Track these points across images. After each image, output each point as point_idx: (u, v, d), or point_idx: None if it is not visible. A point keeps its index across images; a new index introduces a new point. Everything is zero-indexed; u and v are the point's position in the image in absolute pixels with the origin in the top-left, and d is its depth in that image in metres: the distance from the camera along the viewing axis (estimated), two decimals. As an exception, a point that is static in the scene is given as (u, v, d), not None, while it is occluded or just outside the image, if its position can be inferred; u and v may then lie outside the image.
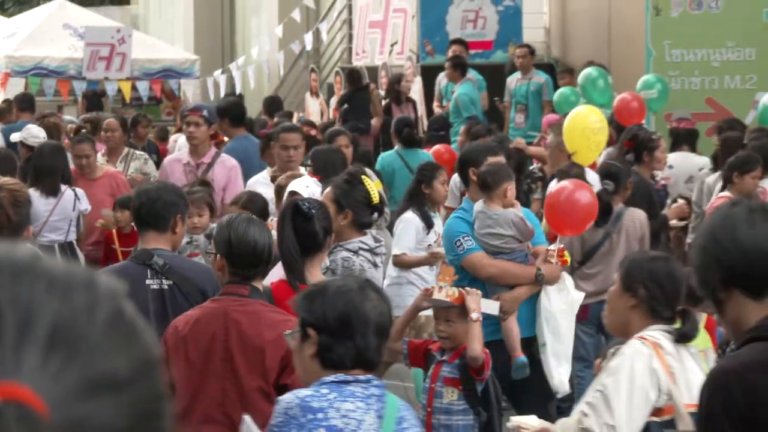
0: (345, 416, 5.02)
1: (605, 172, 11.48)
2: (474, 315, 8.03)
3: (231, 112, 15.29)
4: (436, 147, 15.68)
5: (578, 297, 9.33)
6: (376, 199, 8.92)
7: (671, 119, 17.47)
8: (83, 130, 16.08)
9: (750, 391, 3.98)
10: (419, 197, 11.16)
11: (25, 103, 18.71)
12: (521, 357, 8.94)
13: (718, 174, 13.36)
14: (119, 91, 23.40)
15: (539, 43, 23.69)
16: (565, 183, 9.74)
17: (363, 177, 9.36)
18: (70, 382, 1.25)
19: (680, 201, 13.66)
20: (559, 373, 9.12)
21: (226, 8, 31.42)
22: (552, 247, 9.26)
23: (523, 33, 23.47)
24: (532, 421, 6.45)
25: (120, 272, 7.32)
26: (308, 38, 24.55)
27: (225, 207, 11.09)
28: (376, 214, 9.36)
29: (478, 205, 9.27)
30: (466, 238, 9.14)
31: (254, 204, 9.75)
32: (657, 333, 5.90)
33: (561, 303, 9.18)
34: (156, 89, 24.21)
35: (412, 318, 8.81)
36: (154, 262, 7.23)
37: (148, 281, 7.19)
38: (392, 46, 23.61)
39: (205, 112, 13.15)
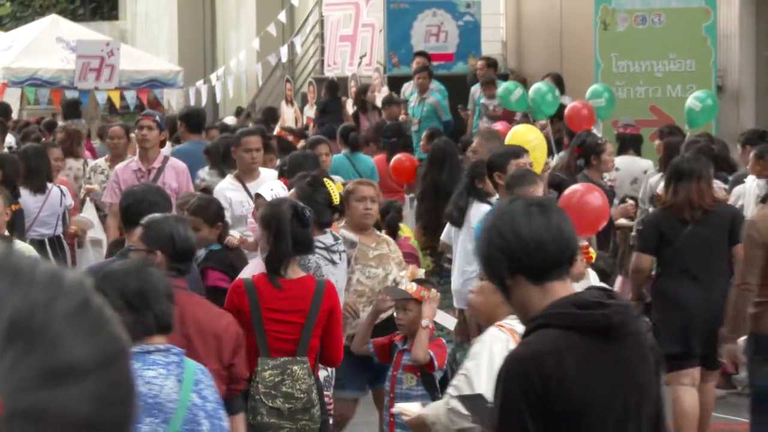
0: (149, 383, 5.16)
1: (550, 183, 11.62)
2: (425, 322, 8.07)
3: (190, 118, 15.38)
4: (398, 156, 15.49)
5: None
6: (336, 200, 9.01)
7: (618, 125, 17.52)
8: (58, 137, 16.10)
9: (546, 378, 4.11)
10: (478, 192, 10.66)
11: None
12: None
13: (660, 174, 13.43)
14: (108, 99, 23.39)
15: (496, 55, 23.72)
16: (577, 186, 9.55)
17: (325, 180, 9.43)
18: (27, 372, 1.23)
19: (629, 201, 13.72)
20: None
21: (207, 23, 31.39)
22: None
23: (481, 46, 23.53)
24: (413, 407, 6.40)
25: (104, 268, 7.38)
26: (283, 51, 24.58)
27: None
28: (336, 214, 9.54)
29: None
30: None
31: (206, 210, 9.32)
32: (514, 321, 5.85)
33: None
34: (142, 98, 24.17)
35: (374, 320, 8.82)
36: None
37: None
38: (361, 58, 23.63)
39: (157, 118, 12.99)
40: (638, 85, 20.15)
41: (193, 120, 15.13)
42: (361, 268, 9.58)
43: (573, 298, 4.29)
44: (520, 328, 6.02)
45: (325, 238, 8.60)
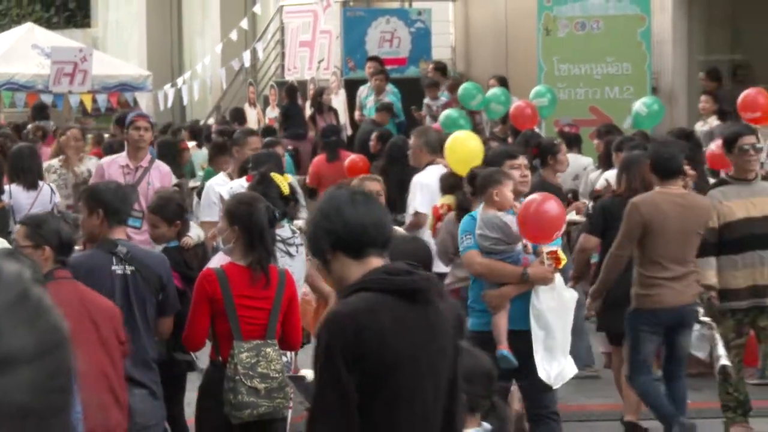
0: None
1: (468, 178, 11.40)
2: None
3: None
4: (352, 157, 15.38)
5: (570, 296, 8.72)
6: (286, 191, 9.03)
7: (559, 124, 17.64)
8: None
9: (359, 331, 4.44)
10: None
11: None
12: (502, 350, 8.39)
13: (600, 171, 13.49)
14: (81, 102, 23.32)
15: (446, 59, 23.80)
16: (535, 195, 8.92)
17: (272, 174, 9.45)
18: None
19: (581, 200, 13.68)
20: (547, 367, 8.45)
21: (174, 30, 31.32)
22: (546, 249, 8.58)
23: (432, 51, 23.59)
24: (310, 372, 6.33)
25: (89, 258, 7.41)
26: (246, 56, 24.55)
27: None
28: (292, 203, 9.53)
29: (480, 208, 8.84)
30: (467, 237, 8.73)
31: (164, 208, 9.08)
32: None
33: (550, 301, 8.52)
34: (113, 101, 24.13)
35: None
36: (119, 250, 7.28)
37: (113, 267, 7.23)
38: (319, 62, 23.64)
39: (152, 119, 12.88)
40: (578, 87, 20.23)
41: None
42: None
43: (385, 268, 4.67)
44: None
45: (282, 231, 8.59)
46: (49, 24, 31.67)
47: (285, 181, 9.49)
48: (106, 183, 8.50)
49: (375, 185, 9.42)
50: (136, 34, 31.26)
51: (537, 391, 8.60)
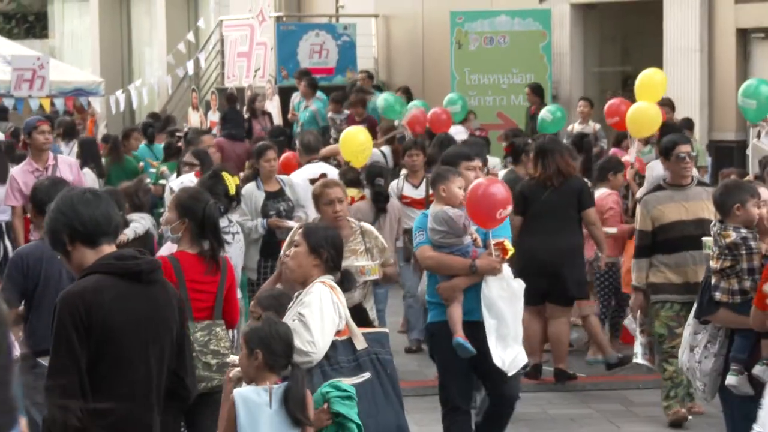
0: None
1: (377, 173, 12.13)
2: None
3: (66, 128, 15.46)
4: (286, 154, 15.39)
5: (518, 286, 8.24)
6: (233, 191, 9.08)
7: (469, 128, 17.73)
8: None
9: (87, 306, 4.95)
10: None
11: None
12: (458, 338, 8.10)
13: (507, 170, 13.54)
14: (41, 106, 23.13)
15: (370, 69, 23.83)
16: (481, 180, 8.52)
17: (223, 173, 9.45)
18: None
19: None
20: (501, 354, 8.08)
21: (125, 40, 31.13)
22: (494, 240, 8.17)
23: (357, 61, 23.63)
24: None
25: (36, 248, 7.46)
26: (190, 65, 24.43)
27: None
28: (234, 203, 9.61)
29: (432, 204, 8.64)
30: (420, 233, 8.39)
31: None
32: (329, 279, 6.54)
33: (500, 290, 8.12)
34: (69, 105, 23.89)
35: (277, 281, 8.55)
36: None
37: (60, 256, 7.19)
38: (256, 71, 23.58)
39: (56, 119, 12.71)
40: (487, 95, 20.38)
41: (70, 130, 15.27)
42: None
43: (114, 254, 5.16)
44: (334, 285, 6.51)
45: (221, 222, 8.65)
46: (9, 34, 31.34)
47: (234, 182, 9.51)
48: (40, 181, 8.38)
49: (336, 192, 8.55)
50: (90, 44, 31.04)
51: (494, 379, 8.21)
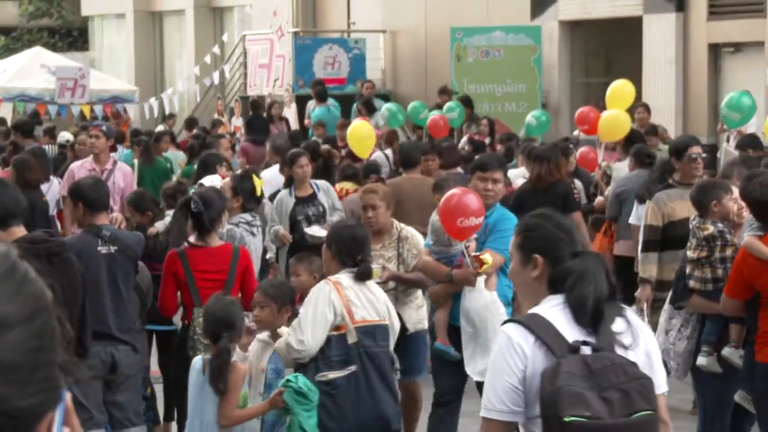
0: None
1: (373, 170, 12.17)
2: None
3: (23, 126, 15.42)
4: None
5: (491, 298, 7.47)
6: (258, 192, 9.07)
7: (469, 133, 17.71)
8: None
9: None
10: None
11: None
12: (438, 343, 7.70)
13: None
14: (81, 111, 23.15)
15: (378, 79, 23.83)
16: (455, 189, 7.78)
17: (253, 175, 9.44)
18: None
19: None
20: (474, 363, 7.38)
21: (157, 53, 31.14)
22: (472, 252, 7.46)
23: (366, 73, 23.63)
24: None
25: (79, 241, 7.36)
26: (216, 75, 24.47)
27: (123, 204, 10.44)
28: (261, 201, 9.60)
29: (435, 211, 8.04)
30: (427, 236, 7.95)
31: (139, 202, 9.09)
32: (341, 275, 6.37)
33: (474, 302, 7.39)
34: (107, 111, 23.92)
35: None
36: (103, 234, 7.23)
37: (99, 248, 7.17)
38: (275, 81, 23.58)
39: (104, 128, 12.46)
40: (483, 103, 20.36)
41: (25, 128, 15.17)
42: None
43: (28, 237, 5.25)
44: (345, 280, 6.34)
45: (246, 216, 8.64)
46: (54, 48, 31.36)
47: (260, 183, 9.53)
48: (84, 179, 8.34)
49: (369, 199, 8.10)
50: (126, 56, 31.06)
51: (450, 379, 7.70)
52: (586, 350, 3.81)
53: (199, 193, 7.95)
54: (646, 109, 16.38)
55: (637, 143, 12.77)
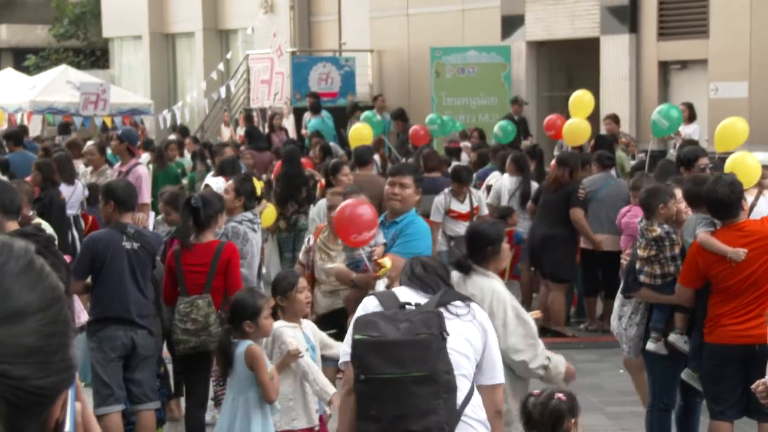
0: None
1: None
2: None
3: (13, 136, 15.47)
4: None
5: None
6: (258, 192, 9.05)
7: (445, 141, 17.75)
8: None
9: None
10: None
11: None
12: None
13: (476, 174, 13.53)
14: (103, 122, 23.13)
15: (365, 93, 23.85)
16: (349, 200, 7.24)
17: (253, 178, 9.42)
18: None
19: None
20: None
21: (170, 70, 31.10)
22: (375, 256, 7.00)
23: (356, 87, 23.64)
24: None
25: (106, 235, 7.37)
26: (222, 90, 24.44)
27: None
28: (260, 201, 9.53)
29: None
30: None
31: (175, 201, 8.91)
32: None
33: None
34: (126, 122, 23.91)
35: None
36: (128, 231, 7.25)
37: (123, 243, 7.19)
38: (275, 95, 23.60)
39: (119, 132, 12.52)
40: (460, 114, 20.40)
41: (16, 137, 15.19)
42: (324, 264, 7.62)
43: (19, 231, 5.06)
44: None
45: (248, 214, 8.62)
46: (78, 66, 31.31)
47: (260, 185, 9.52)
48: (116, 180, 8.38)
49: (337, 199, 7.64)
50: (142, 73, 31.02)
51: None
52: (410, 307, 4.53)
53: (201, 193, 7.97)
54: (614, 120, 16.43)
55: (602, 149, 12.90)
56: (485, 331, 4.61)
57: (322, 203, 9.79)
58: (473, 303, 4.69)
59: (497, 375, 4.63)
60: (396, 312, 4.51)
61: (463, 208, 11.20)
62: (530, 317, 5.90)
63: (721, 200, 6.56)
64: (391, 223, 6.98)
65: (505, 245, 5.87)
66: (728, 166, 8.60)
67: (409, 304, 4.57)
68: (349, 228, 6.78)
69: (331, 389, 6.16)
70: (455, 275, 5.71)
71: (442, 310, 4.54)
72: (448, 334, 4.43)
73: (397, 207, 7.00)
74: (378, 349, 4.37)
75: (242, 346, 6.07)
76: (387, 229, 6.98)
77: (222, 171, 11.17)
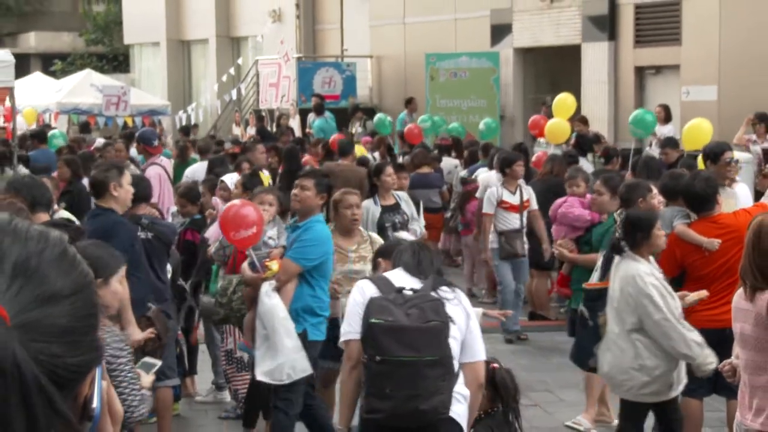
0: None
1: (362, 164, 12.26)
2: None
3: (38, 135, 15.66)
4: (305, 158, 15.29)
5: (271, 303, 6.37)
6: (266, 185, 9.02)
7: (437, 139, 17.73)
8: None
9: None
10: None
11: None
12: (241, 342, 7.08)
13: (466, 170, 13.52)
14: (125, 122, 23.12)
15: (366, 96, 23.82)
16: (236, 201, 7.01)
17: (260, 172, 9.40)
18: (26, 298, 1.16)
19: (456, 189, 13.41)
20: (264, 366, 6.36)
21: (186, 74, 31.05)
22: (263, 258, 6.60)
23: (357, 90, 23.61)
24: None
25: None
26: (234, 92, 24.42)
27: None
28: None
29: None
30: None
31: (189, 193, 8.85)
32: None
33: (262, 306, 6.36)
34: (146, 122, 23.87)
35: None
36: (143, 222, 7.22)
37: (139, 233, 7.18)
38: (282, 97, 23.58)
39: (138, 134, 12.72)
40: (452, 115, 20.35)
41: (40, 135, 15.46)
42: (340, 267, 7.03)
43: (50, 222, 5.01)
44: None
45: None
46: (102, 70, 31.27)
47: (267, 180, 9.48)
48: (137, 175, 8.37)
49: (355, 198, 7.19)
50: (160, 77, 30.98)
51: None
52: (408, 292, 4.55)
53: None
54: (582, 121, 16.39)
55: (584, 146, 13.03)
56: (468, 315, 4.63)
57: (370, 205, 9.11)
58: (457, 288, 4.74)
59: (478, 353, 4.68)
60: (396, 296, 4.54)
61: (514, 199, 10.66)
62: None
63: (699, 194, 6.56)
64: (295, 227, 6.65)
65: (658, 231, 5.99)
66: (686, 129, 10.37)
67: (405, 288, 4.58)
68: (230, 226, 6.52)
69: None
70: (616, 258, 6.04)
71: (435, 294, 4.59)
72: (454, 322, 4.50)
73: (296, 207, 6.73)
74: (394, 333, 4.40)
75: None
76: (291, 233, 6.67)
77: (238, 167, 11.06)
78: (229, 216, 6.59)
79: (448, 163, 14.98)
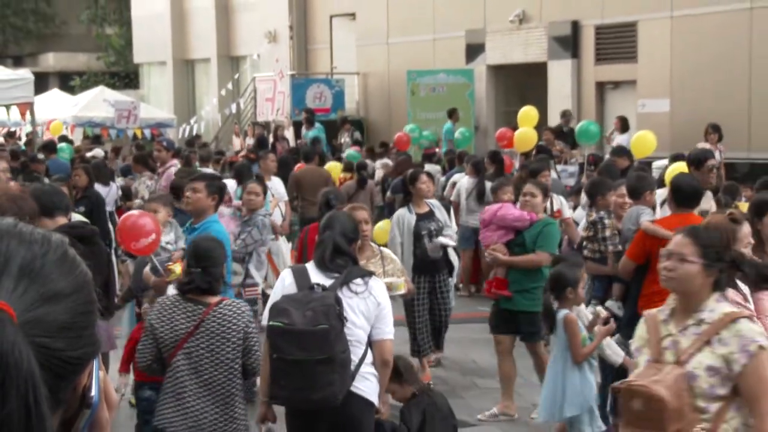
0: None
1: (361, 166, 12.37)
2: None
3: (48, 147, 15.79)
4: (298, 165, 15.24)
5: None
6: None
7: (421, 148, 17.70)
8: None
9: None
10: None
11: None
12: None
13: (446, 176, 13.50)
14: (135, 134, 23.01)
15: (353, 109, 23.78)
16: (133, 210, 6.69)
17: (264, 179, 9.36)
18: (31, 297, 1.15)
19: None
20: None
21: (190, 90, 30.97)
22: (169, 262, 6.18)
23: (345, 104, 23.58)
24: None
25: None
26: (233, 106, 24.36)
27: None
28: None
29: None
30: None
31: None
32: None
33: None
34: (154, 133, 23.80)
35: None
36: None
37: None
38: (277, 110, 23.52)
39: (164, 142, 12.53)
40: (431, 125, 20.34)
41: (49, 147, 15.62)
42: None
43: (68, 224, 4.99)
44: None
45: (262, 210, 8.46)
46: (113, 87, 31.20)
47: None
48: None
49: (363, 214, 6.57)
50: (166, 93, 30.89)
51: None
52: (318, 289, 4.63)
53: (334, 191, 8.00)
54: (551, 131, 16.44)
55: (543, 154, 12.98)
56: (379, 303, 4.76)
57: (404, 213, 8.53)
58: (372, 278, 4.80)
59: (386, 332, 4.79)
60: (305, 294, 4.64)
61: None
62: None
63: (696, 190, 6.58)
64: (192, 229, 6.35)
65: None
66: (633, 140, 10.74)
67: (318, 285, 4.68)
68: (130, 236, 6.04)
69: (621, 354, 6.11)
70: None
71: (344, 289, 4.68)
72: (347, 320, 4.63)
73: (189, 209, 6.48)
74: (287, 335, 4.53)
75: (560, 314, 5.95)
76: (189, 235, 6.32)
77: (238, 175, 10.99)
78: (126, 227, 6.07)
79: (431, 169, 14.98)
